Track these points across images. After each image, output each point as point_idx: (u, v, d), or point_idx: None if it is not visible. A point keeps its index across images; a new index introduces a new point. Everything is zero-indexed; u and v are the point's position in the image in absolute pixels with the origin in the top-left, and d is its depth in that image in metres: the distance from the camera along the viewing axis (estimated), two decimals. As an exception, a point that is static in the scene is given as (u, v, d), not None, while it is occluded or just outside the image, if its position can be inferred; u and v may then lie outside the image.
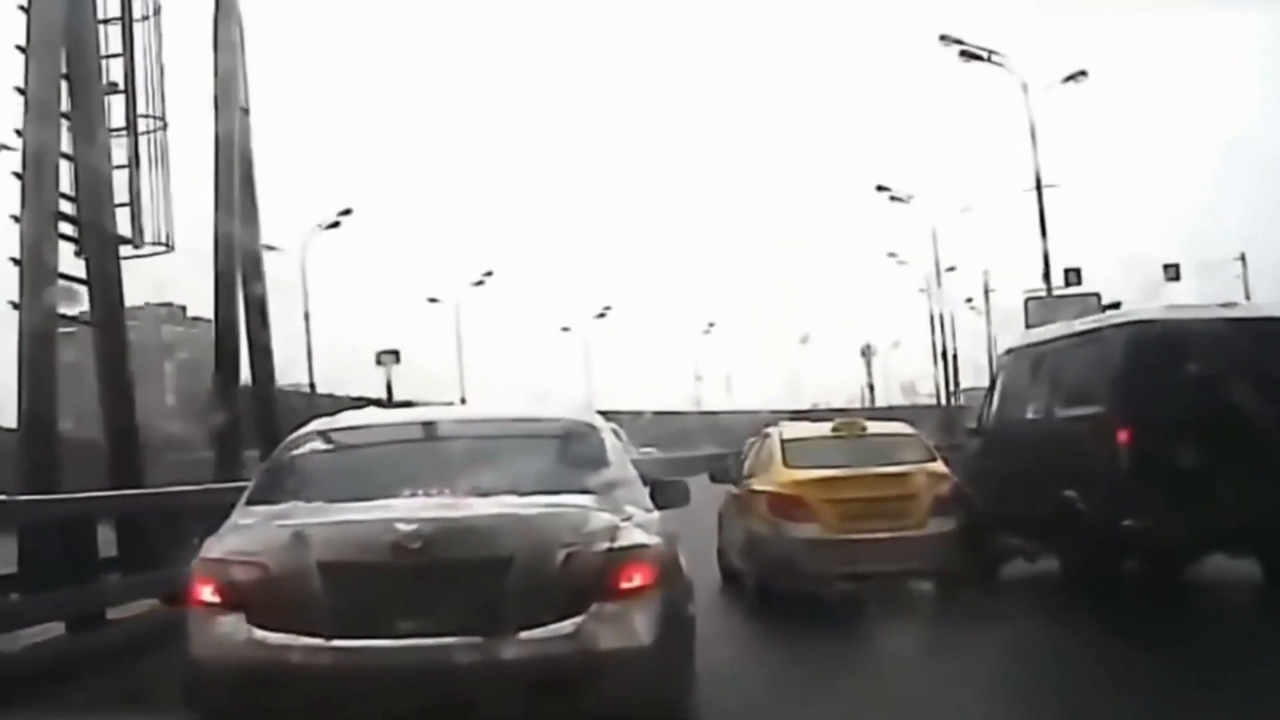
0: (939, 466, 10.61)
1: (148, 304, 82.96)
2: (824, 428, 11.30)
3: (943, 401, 50.33)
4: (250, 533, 5.08)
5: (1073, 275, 31.23)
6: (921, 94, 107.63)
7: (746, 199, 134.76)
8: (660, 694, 4.87)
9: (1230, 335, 9.34)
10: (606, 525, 4.96)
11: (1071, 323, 11.74)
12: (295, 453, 5.72)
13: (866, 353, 75.25)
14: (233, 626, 4.81)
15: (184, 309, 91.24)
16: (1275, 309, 11.04)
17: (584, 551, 4.84)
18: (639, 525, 5.10)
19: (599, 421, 6.06)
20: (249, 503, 5.38)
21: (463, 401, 42.20)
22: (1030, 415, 11.16)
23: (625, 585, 4.84)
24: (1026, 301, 29.73)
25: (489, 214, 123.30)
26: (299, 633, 4.72)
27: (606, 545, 4.88)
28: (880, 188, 43.76)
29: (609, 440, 5.83)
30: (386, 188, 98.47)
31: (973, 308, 50.13)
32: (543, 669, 4.65)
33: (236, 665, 4.75)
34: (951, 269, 47.23)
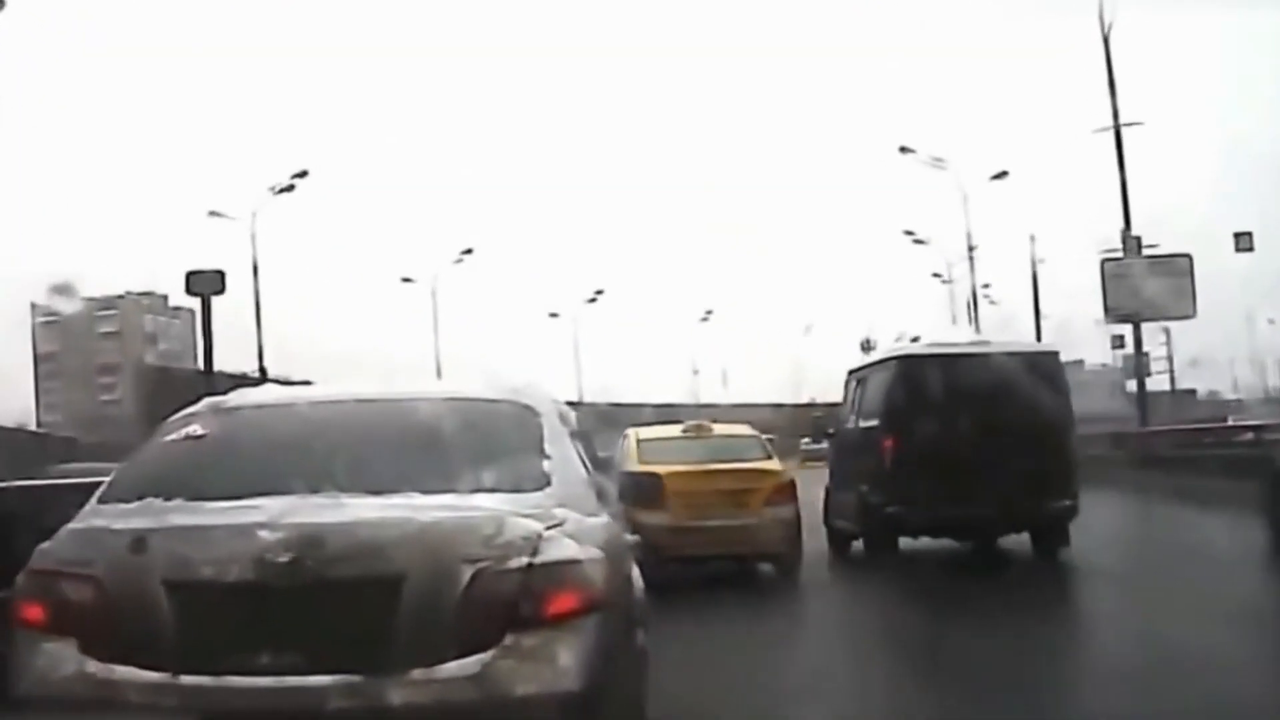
0: (774, 464, 12.36)
1: (129, 293, 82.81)
2: (675, 429, 13.07)
3: None
4: (89, 539, 4.10)
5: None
6: (943, 47, 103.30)
7: (747, 179, 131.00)
8: None
9: (974, 365, 12.39)
10: (528, 535, 3.94)
11: (878, 354, 15.34)
12: (166, 438, 4.67)
13: (866, 347, 74.09)
14: (62, 655, 3.92)
15: (165, 298, 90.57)
16: (1013, 344, 14.23)
17: (496, 568, 3.86)
18: (572, 534, 4.05)
19: (541, 403, 4.90)
20: (101, 500, 4.37)
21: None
22: (849, 425, 14.31)
23: (549, 611, 3.88)
24: (1103, 264, 26.60)
25: (469, 186, 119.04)
26: (140, 665, 3.84)
27: (526, 560, 3.89)
28: (904, 149, 41.22)
29: (549, 426, 4.70)
30: (355, 154, 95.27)
31: (987, 296, 47.00)
32: (439, 718, 3.73)
33: (66, 702, 3.86)
34: (973, 249, 43.70)
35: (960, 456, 11.79)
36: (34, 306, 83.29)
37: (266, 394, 5.40)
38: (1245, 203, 58.99)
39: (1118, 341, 43.92)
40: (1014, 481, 11.73)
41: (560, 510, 4.16)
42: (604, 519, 4.56)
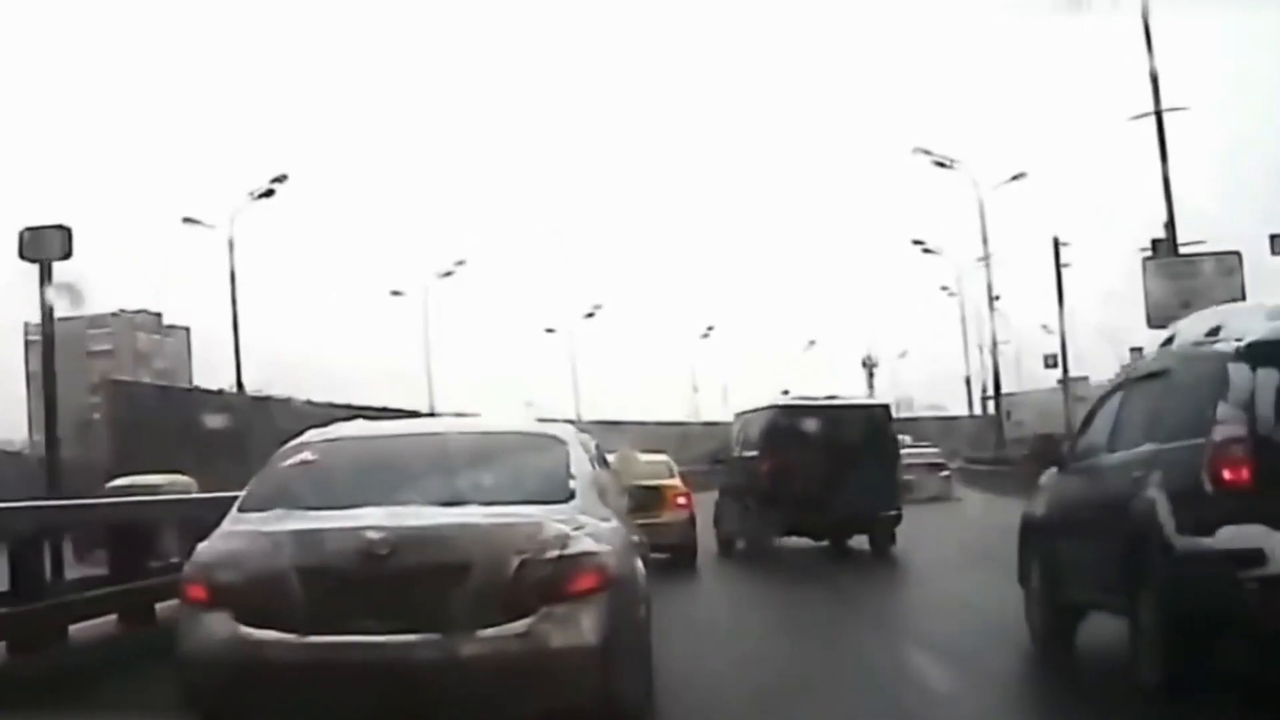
0: (676, 481, 16.63)
1: (122, 311, 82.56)
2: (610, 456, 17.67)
3: (976, 410, 47.75)
4: (238, 538, 5.56)
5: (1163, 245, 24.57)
6: (954, 46, 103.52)
7: (750, 190, 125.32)
8: (608, 690, 5.27)
9: (827, 414, 18.00)
10: (558, 534, 5.37)
11: (759, 406, 19.39)
12: (284, 463, 6.15)
13: (868, 363, 72.43)
14: (220, 623, 5.29)
15: (159, 316, 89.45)
16: (856, 399, 21.73)
17: (536, 558, 5.26)
18: (590, 534, 5.49)
19: (568, 434, 6.46)
20: (240, 510, 5.83)
21: (431, 413, 41.51)
22: (735, 454, 19.19)
23: (574, 589, 5.26)
24: (1145, 262, 24.22)
25: (460, 195, 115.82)
26: (278, 629, 5.20)
27: (557, 552, 5.30)
28: (919, 150, 40.82)
29: (574, 453, 6.19)
30: (339, 159, 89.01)
31: (996, 308, 46.01)
32: (496, 665, 5.12)
33: (222, 659, 5.25)
34: (989, 257, 42.73)
35: (816, 479, 16.73)
36: (26, 325, 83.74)
37: (357, 428, 6.81)
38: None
39: (1138, 354, 42.93)
40: (854, 497, 16.67)
41: (582, 517, 5.62)
42: (615, 523, 5.98)
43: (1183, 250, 24.53)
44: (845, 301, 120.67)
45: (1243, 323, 6.88)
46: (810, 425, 17.45)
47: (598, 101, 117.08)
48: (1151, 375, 7.74)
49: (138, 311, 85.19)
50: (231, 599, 5.30)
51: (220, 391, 36.90)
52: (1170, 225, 24.13)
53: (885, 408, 20.01)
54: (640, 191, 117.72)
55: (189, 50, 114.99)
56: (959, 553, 16.32)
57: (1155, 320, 23.64)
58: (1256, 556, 6.03)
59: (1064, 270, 39.41)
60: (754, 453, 17.94)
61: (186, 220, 38.83)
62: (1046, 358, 50.82)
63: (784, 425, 17.66)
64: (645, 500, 13.49)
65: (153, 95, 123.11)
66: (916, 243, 47.88)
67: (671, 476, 16.80)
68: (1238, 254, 24.06)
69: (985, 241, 41.74)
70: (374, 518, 5.35)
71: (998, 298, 45.89)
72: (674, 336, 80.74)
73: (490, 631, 5.16)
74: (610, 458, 14.83)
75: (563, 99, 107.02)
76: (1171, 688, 6.51)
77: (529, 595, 5.22)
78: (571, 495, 5.78)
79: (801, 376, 71.76)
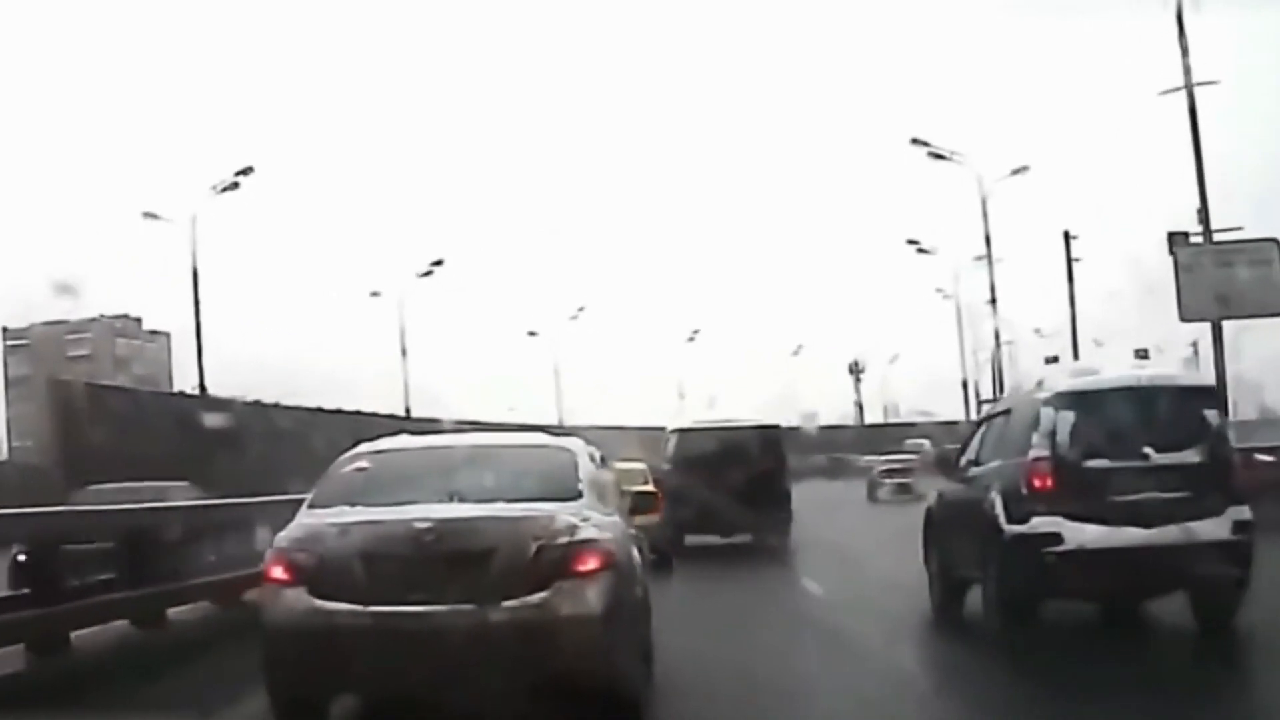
0: (650, 486, 18.27)
1: (102, 316, 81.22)
2: None
3: (974, 414, 46.44)
4: (311, 528, 6.76)
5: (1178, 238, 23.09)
6: (953, 36, 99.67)
7: (736, 190, 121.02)
8: (609, 649, 6.48)
9: (727, 434, 21.47)
10: (568, 524, 6.61)
11: (677, 426, 23.09)
12: (345, 469, 7.39)
13: (855, 369, 71.98)
14: (298, 598, 6.51)
15: (139, 321, 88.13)
16: (751, 421, 22.36)
17: (550, 543, 6.50)
18: (595, 525, 6.74)
19: (576, 446, 7.77)
20: (310, 506, 7.02)
21: (407, 413, 40.67)
22: (664, 466, 21.64)
23: (580, 568, 6.48)
24: (1174, 248, 22.76)
25: (442, 195, 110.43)
26: (345, 601, 6.40)
27: (567, 539, 6.53)
28: (916, 141, 39.14)
29: (582, 461, 7.46)
30: (309, 151, 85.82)
31: (990, 305, 44.49)
32: (519, 629, 6.33)
33: (301, 626, 6.45)
34: (990, 255, 41.24)
35: (719, 487, 19.92)
36: (4, 330, 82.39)
37: (402, 441, 7.97)
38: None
39: (1141, 352, 42.23)
40: (751, 502, 19.81)
41: (588, 511, 6.85)
42: (615, 518, 7.30)
43: (1216, 238, 23.11)
44: (834, 305, 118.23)
45: (1054, 379, 10.19)
46: (713, 444, 21.14)
47: (580, 97, 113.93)
48: (1003, 412, 10.95)
49: (118, 316, 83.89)
50: (307, 577, 6.51)
51: (179, 394, 35.57)
52: (1203, 210, 22.69)
53: (777, 427, 23.46)
54: (624, 190, 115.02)
55: (159, 39, 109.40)
56: (885, 543, 18.54)
57: (1189, 313, 23.10)
58: (1055, 538, 9.06)
59: (1071, 267, 38.53)
60: (668, 465, 21.38)
61: (147, 215, 37.35)
62: (1047, 358, 49.80)
63: (691, 445, 21.43)
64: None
65: (117, 90, 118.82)
66: (911, 243, 47.27)
67: (645, 483, 18.21)
68: (1276, 241, 22.73)
69: (988, 239, 40.11)
70: (421, 512, 6.58)
71: (994, 300, 44.89)
72: (659, 340, 80.00)
73: (513, 602, 6.36)
74: None
75: (546, 94, 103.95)
76: (1005, 630, 9.46)
77: (545, 573, 6.42)
78: (579, 495, 7.01)
79: (788, 382, 70.24)
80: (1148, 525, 8.91)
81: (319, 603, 6.40)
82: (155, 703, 8.08)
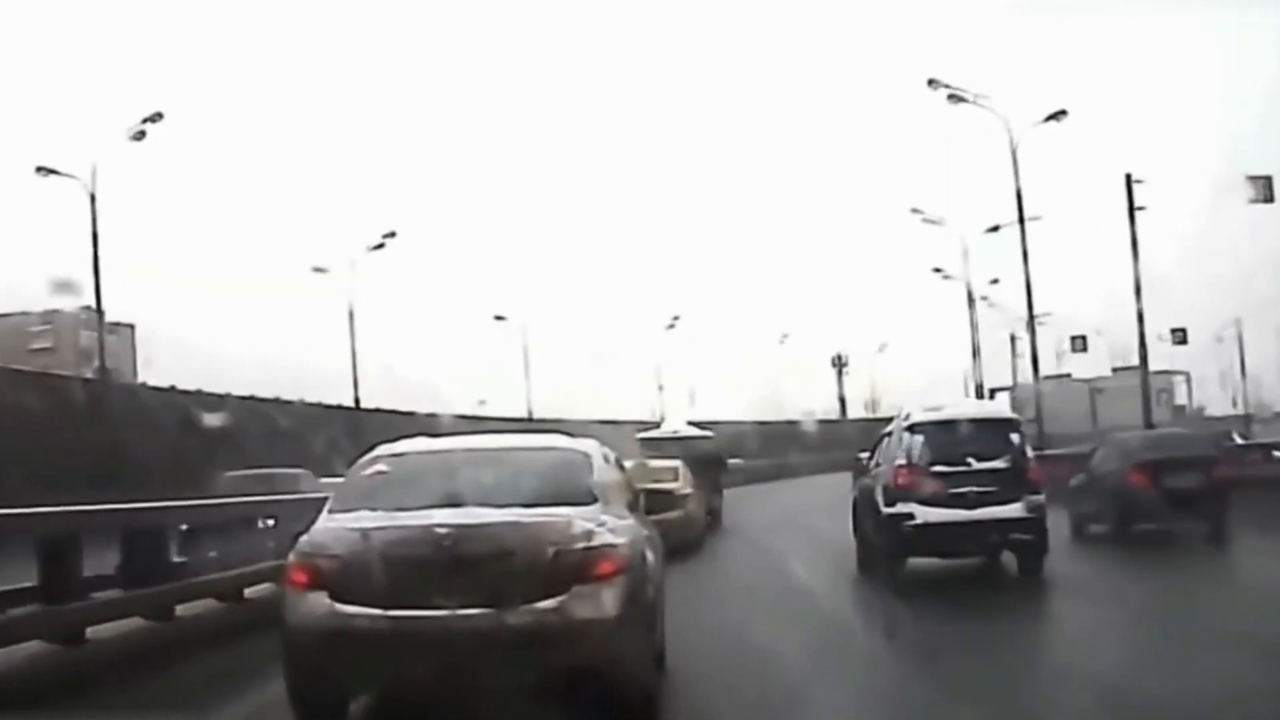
0: (681, 484, 20.78)
1: (60, 310, 79.38)
2: None
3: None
4: (331, 533, 6.74)
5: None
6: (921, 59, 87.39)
7: (717, 160, 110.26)
8: (623, 651, 6.52)
9: (675, 442, 26.42)
10: (584, 530, 6.58)
11: (645, 434, 28.79)
12: (364, 473, 7.43)
13: (837, 363, 68.55)
14: (319, 601, 6.45)
15: (102, 314, 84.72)
16: (696, 432, 29.26)
17: (567, 548, 6.47)
18: (610, 530, 6.71)
19: (592, 449, 7.70)
20: (330, 511, 7.03)
21: (357, 403, 39.92)
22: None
23: (596, 573, 6.46)
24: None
25: (395, 159, 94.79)
26: (365, 605, 6.35)
27: (584, 544, 6.51)
28: (934, 82, 34.11)
29: (598, 464, 7.48)
30: (229, 99, 74.06)
31: (985, 298, 43.89)
32: (537, 631, 6.29)
33: (321, 629, 6.41)
34: (994, 229, 38.97)
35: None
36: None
37: (420, 444, 7.89)
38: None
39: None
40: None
41: (603, 515, 6.83)
42: (630, 521, 7.27)
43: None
44: (822, 291, 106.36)
45: (914, 413, 14.54)
46: (664, 449, 24.92)
47: (555, 72, 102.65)
48: (887, 433, 15.22)
49: (83, 308, 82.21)
50: (328, 581, 6.47)
51: (89, 380, 33.46)
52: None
53: (710, 438, 28.98)
54: (599, 166, 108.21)
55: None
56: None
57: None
58: (911, 516, 13.64)
59: (1134, 214, 31.96)
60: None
61: (40, 170, 31.75)
62: (1074, 339, 49.61)
63: (652, 448, 25.14)
64: (657, 503, 16.56)
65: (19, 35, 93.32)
66: (915, 211, 42.52)
67: (676, 479, 20.17)
68: None
69: (1019, 195, 33.37)
70: (440, 516, 6.56)
71: (996, 281, 43.04)
72: (637, 326, 73.87)
73: (531, 606, 6.31)
74: (627, 464, 15.22)
75: (523, 71, 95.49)
76: (886, 578, 13.87)
77: (561, 577, 6.39)
78: (594, 499, 6.98)
79: (772, 373, 67.59)
80: (970, 508, 13.44)
81: (339, 607, 6.39)
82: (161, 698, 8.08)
